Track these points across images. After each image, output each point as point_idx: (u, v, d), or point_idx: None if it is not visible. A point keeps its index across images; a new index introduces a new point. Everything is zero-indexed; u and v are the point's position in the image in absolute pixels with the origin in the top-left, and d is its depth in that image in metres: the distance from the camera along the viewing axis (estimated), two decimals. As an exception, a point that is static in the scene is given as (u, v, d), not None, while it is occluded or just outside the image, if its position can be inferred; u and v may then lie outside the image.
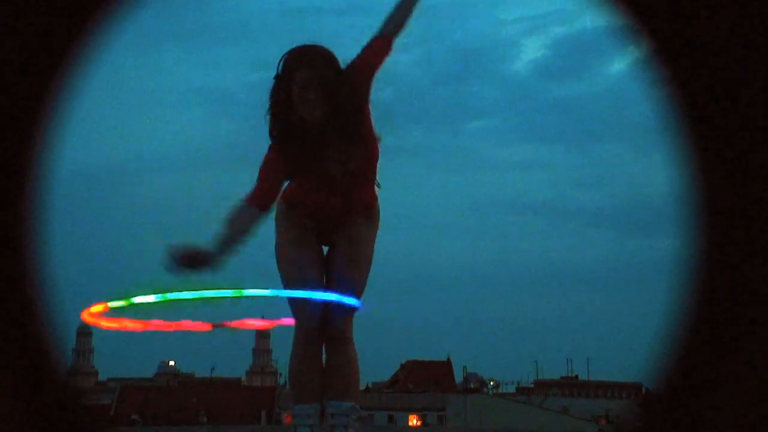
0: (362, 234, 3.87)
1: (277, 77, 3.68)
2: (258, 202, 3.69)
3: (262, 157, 3.77)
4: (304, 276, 3.79)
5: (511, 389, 67.28)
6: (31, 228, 2.47)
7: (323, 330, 3.81)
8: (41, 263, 2.51)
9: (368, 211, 3.90)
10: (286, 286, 3.81)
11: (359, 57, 3.76)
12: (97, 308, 3.54)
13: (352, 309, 3.82)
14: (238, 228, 3.64)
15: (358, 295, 3.79)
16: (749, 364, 2.32)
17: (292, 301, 3.82)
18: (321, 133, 3.67)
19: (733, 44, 2.30)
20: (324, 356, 3.87)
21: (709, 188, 2.37)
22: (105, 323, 3.66)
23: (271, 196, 3.74)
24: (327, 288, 3.81)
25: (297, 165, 3.74)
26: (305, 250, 3.85)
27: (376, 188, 3.92)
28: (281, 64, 3.67)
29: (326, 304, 3.78)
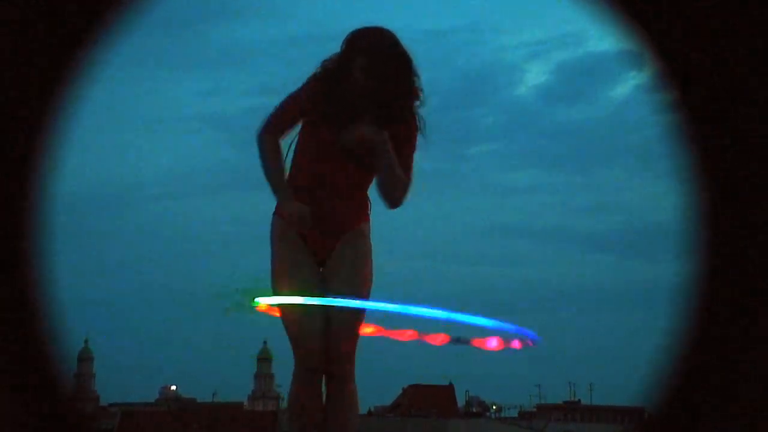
0: (360, 253, 3.79)
1: (334, 59, 3.73)
2: (272, 129, 3.71)
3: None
4: (303, 319, 3.67)
5: (514, 413, 66.90)
6: (32, 253, 2.47)
7: (326, 365, 3.70)
8: (43, 288, 2.50)
9: (363, 225, 3.83)
10: (283, 315, 3.71)
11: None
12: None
13: (356, 341, 3.72)
14: (279, 158, 3.71)
15: (355, 346, 3.71)
16: (751, 388, 2.31)
17: (290, 334, 3.70)
18: (360, 107, 3.69)
19: (738, 67, 2.31)
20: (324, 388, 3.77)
21: (712, 212, 2.36)
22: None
23: (286, 126, 3.74)
24: (327, 337, 3.68)
25: (325, 112, 3.69)
26: (304, 275, 3.74)
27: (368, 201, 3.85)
28: (343, 44, 3.73)
29: (329, 339, 3.67)
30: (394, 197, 3.73)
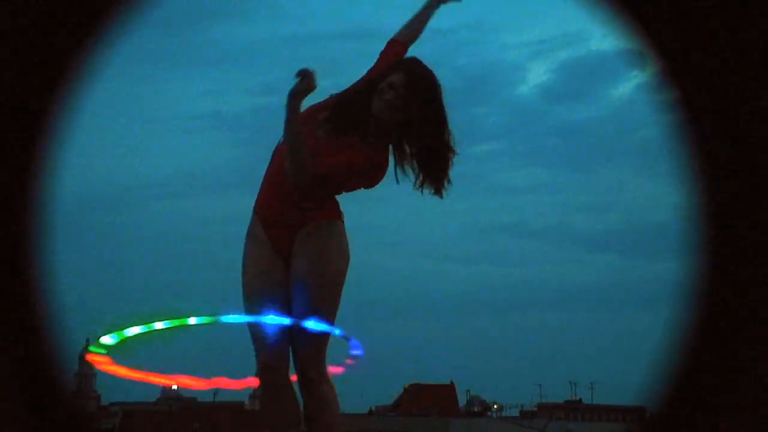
0: (325, 246, 3.69)
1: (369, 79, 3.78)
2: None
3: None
4: (261, 303, 3.65)
5: (515, 413, 66.88)
6: (34, 253, 2.47)
7: (298, 374, 3.66)
8: (45, 288, 2.50)
9: (325, 221, 3.73)
10: (245, 311, 3.69)
11: (378, 62, 3.83)
12: (99, 353, 3.57)
13: (321, 345, 3.67)
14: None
15: (320, 353, 3.67)
16: (753, 387, 2.31)
17: (252, 334, 3.66)
18: (377, 129, 3.69)
19: (740, 66, 2.31)
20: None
21: (713, 212, 2.37)
22: (107, 367, 3.65)
23: None
24: (290, 314, 3.65)
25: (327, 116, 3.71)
26: (264, 272, 3.70)
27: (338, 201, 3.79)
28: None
29: (290, 341, 3.64)
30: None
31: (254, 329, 3.66)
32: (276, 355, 3.64)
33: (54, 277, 2.53)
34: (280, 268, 3.71)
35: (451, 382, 66.87)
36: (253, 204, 3.81)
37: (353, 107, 3.70)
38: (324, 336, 3.67)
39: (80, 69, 2.51)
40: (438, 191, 3.78)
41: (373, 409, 62.43)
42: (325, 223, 3.71)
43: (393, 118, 3.68)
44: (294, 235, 3.69)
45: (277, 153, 3.72)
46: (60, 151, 2.50)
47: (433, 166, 3.74)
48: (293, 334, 3.63)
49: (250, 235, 3.77)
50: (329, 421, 3.70)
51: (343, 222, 3.78)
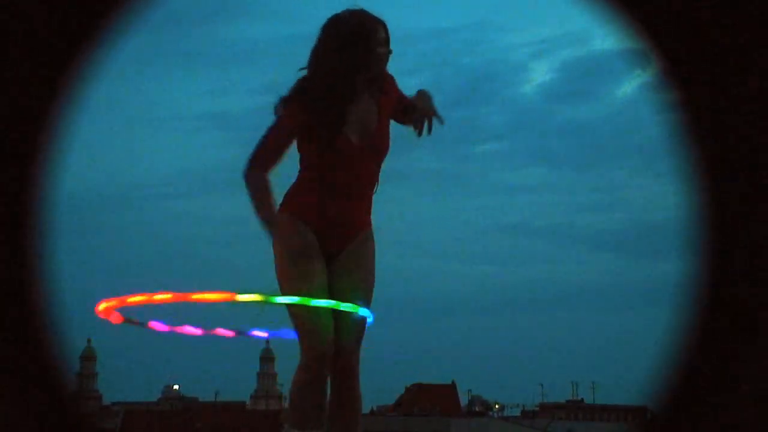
0: (369, 253, 3.79)
1: (354, 36, 3.71)
2: (259, 164, 3.67)
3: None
4: (313, 293, 3.61)
5: (516, 412, 66.93)
6: (35, 253, 2.47)
7: (335, 362, 3.66)
8: (46, 288, 2.51)
9: (368, 225, 3.82)
10: (292, 306, 3.64)
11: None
12: (110, 303, 3.57)
13: (362, 335, 3.72)
14: (268, 194, 3.67)
15: (360, 342, 3.72)
16: (753, 386, 2.31)
17: (300, 322, 3.63)
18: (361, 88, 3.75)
19: (741, 66, 2.31)
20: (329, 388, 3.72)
21: (715, 211, 2.36)
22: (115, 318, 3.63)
23: (274, 159, 3.72)
24: (334, 312, 3.66)
25: (319, 120, 3.69)
26: (313, 265, 3.68)
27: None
28: (354, 26, 3.73)
29: (337, 333, 3.65)
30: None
31: (306, 327, 3.64)
32: (330, 345, 3.64)
33: (55, 276, 2.53)
34: (323, 264, 3.74)
35: (453, 382, 66.94)
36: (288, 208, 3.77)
37: (338, 80, 3.72)
38: (363, 334, 3.74)
39: (82, 69, 2.51)
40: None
41: (375, 408, 62.47)
42: (370, 230, 3.84)
43: (384, 69, 3.80)
44: (342, 240, 3.75)
45: (343, 156, 3.72)
46: (62, 151, 2.51)
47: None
48: (341, 324, 3.66)
49: (290, 228, 3.71)
50: (356, 416, 3.76)
51: None
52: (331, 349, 3.64)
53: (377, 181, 3.82)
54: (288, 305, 3.66)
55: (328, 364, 3.66)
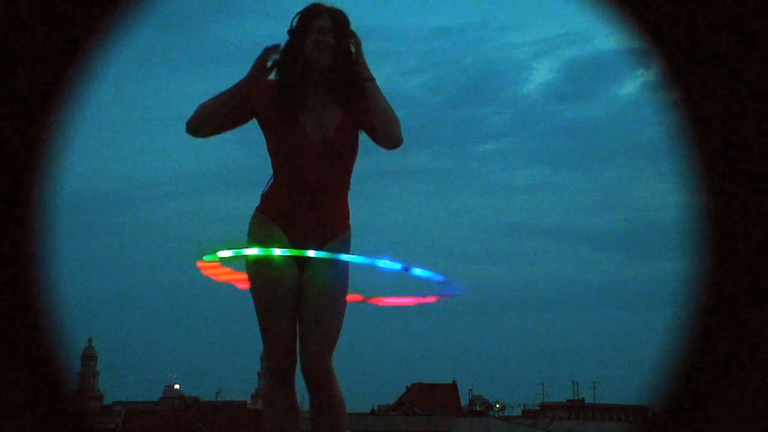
0: (337, 275, 3.70)
1: (294, 25, 3.78)
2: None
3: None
4: (277, 301, 3.64)
5: (517, 412, 66.92)
6: (36, 253, 2.47)
7: (304, 366, 3.64)
8: (47, 288, 2.50)
9: (344, 227, 3.79)
10: (257, 309, 3.67)
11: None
12: (210, 260, 3.69)
13: (335, 336, 3.66)
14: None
15: (330, 345, 3.66)
16: (754, 386, 2.31)
17: (262, 330, 3.67)
18: (318, 82, 3.75)
19: (742, 65, 2.31)
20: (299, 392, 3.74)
21: (717, 211, 2.36)
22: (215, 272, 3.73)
23: (232, 117, 3.73)
24: (300, 323, 3.66)
25: (277, 109, 3.73)
26: (278, 271, 3.66)
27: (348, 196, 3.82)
28: (298, 16, 3.80)
29: (301, 339, 3.65)
30: (392, 134, 3.71)
31: (268, 336, 3.66)
32: (291, 353, 3.66)
33: (56, 276, 2.53)
34: (292, 269, 3.72)
35: (454, 382, 66.93)
36: (260, 207, 3.79)
37: (296, 73, 3.75)
38: (338, 327, 3.69)
39: (82, 69, 2.51)
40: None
41: (375, 408, 62.47)
42: (346, 234, 3.80)
43: (327, 59, 3.74)
44: (317, 242, 3.72)
45: (304, 154, 3.71)
46: (62, 151, 2.50)
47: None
48: (307, 325, 3.65)
49: (261, 231, 3.74)
50: (338, 418, 3.71)
51: None
52: (291, 359, 3.67)
53: (347, 183, 3.80)
54: (257, 313, 3.69)
55: (291, 373, 3.70)
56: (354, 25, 3.79)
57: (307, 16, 3.78)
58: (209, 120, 3.69)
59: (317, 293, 3.67)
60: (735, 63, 2.32)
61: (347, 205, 3.84)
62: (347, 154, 3.76)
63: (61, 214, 2.62)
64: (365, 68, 3.73)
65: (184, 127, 3.69)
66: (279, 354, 3.67)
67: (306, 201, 3.70)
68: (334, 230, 3.75)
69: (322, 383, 3.66)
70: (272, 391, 3.72)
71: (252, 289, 3.71)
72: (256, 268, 3.69)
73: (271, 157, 3.79)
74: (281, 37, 3.79)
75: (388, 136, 3.70)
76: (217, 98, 3.68)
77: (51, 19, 2.43)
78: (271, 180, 3.79)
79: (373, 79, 3.72)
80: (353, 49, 3.76)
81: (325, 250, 3.68)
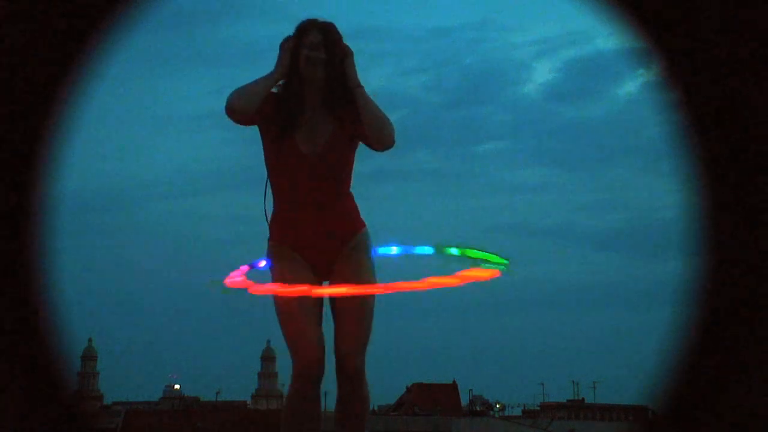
0: (364, 272, 3.78)
1: (287, 41, 3.84)
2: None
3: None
4: (303, 328, 3.68)
5: (518, 412, 66.98)
6: (36, 253, 2.47)
7: (339, 367, 3.73)
8: (47, 288, 2.50)
9: (355, 228, 3.82)
10: (282, 318, 3.72)
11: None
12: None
13: (368, 332, 3.75)
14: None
15: (363, 347, 3.74)
16: (755, 386, 2.31)
17: (286, 337, 3.71)
18: (313, 97, 3.79)
19: (743, 65, 2.31)
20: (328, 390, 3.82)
21: (716, 211, 2.36)
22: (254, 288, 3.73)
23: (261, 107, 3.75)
24: (335, 323, 3.74)
25: (275, 123, 3.78)
26: (301, 299, 3.69)
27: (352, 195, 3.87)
28: (293, 32, 3.85)
29: (339, 338, 3.72)
30: (382, 135, 3.73)
31: (295, 342, 3.70)
32: (320, 361, 3.70)
33: (56, 276, 2.53)
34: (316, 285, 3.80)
35: (454, 382, 67.00)
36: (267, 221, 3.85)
37: (293, 89, 3.80)
38: (370, 325, 3.77)
39: (84, 69, 2.51)
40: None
41: (376, 408, 62.50)
42: (359, 236, 3.85)
43: (319, 73, 3.78)
44: (330, 251, 3.79)
45: (296, 166, 3.76)
46: (63, 151, 2.51)
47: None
48: (340, 325, 3.73)
49: (280, 258, 3.80)
50: (362, 417, 3.80)
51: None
52: (318, 363, 3.69)
53: (346, 190, 3.85)
54: (278, 318, 3.72)
55: (317, 383, 3.72)
56: (354, 26, 3.85)
57: (299, 32, 3.83)
58: (256, 98, 3.71)
59: (344, 304, 3.73)
60: (735, 63, 2.32)
61: (353, 206, 3.88)
62: (339, 167, 3.80)
63: (62, 214, 2.62)
64: (354, 77, 3.77)
65: (223, 110, 3.68)
66: (304, 359, 3.68)
67: (307, 217, 3.77)
68: (345, 236, 3.80)
69: (354, 384, 3.76)
70: (297, 396, 3.73)
71: (276, 299, 3.75)
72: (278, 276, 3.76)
73: (267, 171, 3.85)
74: (281, 38, 3.84)
75: (379, 139, 3.73)
76: (256, 82, 3.75)
77: (51, 19, 2.43)
78: (273, 208, 3.85)
79: (361, 87, 3.76)
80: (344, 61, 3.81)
81: (344, 257, 3.77)
